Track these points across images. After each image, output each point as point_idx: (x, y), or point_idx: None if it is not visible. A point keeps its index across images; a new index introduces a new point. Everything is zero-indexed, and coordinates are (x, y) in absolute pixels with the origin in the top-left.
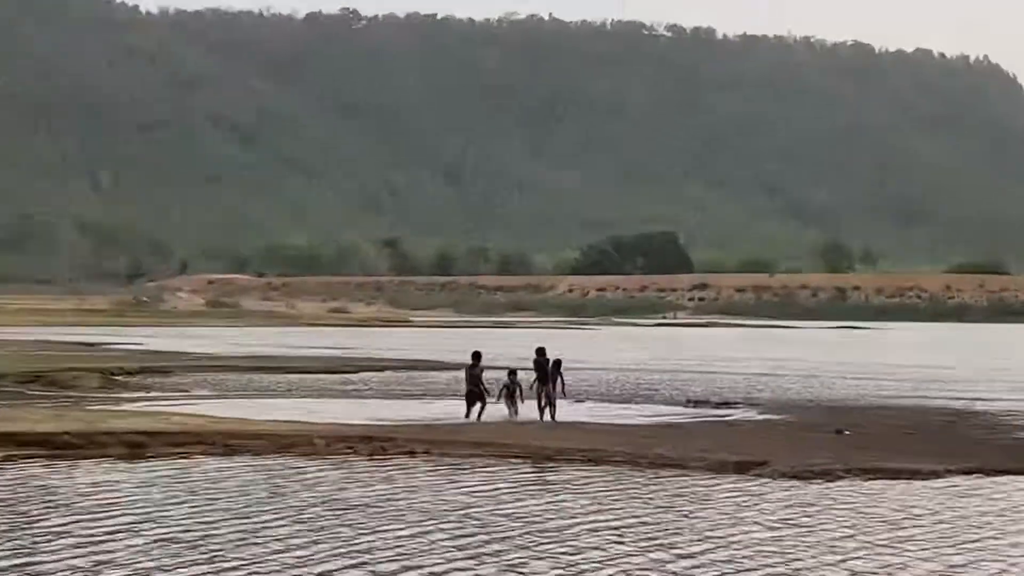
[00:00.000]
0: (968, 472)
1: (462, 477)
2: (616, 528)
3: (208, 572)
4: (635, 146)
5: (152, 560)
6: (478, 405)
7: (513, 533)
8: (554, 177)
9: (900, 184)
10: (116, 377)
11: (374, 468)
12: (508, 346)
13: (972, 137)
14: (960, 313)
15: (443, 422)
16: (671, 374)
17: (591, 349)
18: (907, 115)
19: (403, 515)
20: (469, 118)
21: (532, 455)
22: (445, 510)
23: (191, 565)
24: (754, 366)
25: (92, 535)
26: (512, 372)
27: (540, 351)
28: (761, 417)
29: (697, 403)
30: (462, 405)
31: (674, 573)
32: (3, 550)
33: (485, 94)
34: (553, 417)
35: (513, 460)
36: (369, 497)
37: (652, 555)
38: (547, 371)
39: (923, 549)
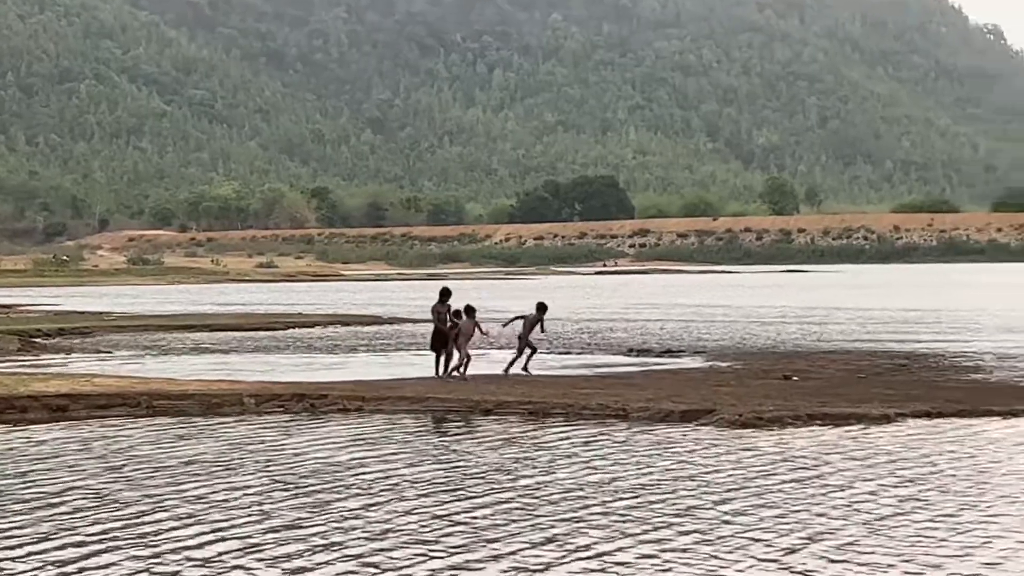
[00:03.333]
0: (920, 416)
1: (325, 431)
2: (418, 480)
3: None
4: (570, 89)
5: None
6: (448, 356)
7: (312, 486)
8: (486, 122)
9: (844, 122)
10: (35, 339)
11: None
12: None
13: (918, 72)
14: (908, 253)
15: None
16: (612, 323)
17: (529, 300)
18: (851, 51)
19: (209, 473)
20: (396, 63)
21: (469, 409)
22: (261, 465)
23: None
24: (698, 313)
25: None
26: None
27: (444, 292)
28: (707, 364)
29: (640, 352)
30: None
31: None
32: None
33: (412, 38)
34: (446, 372)
35: (443, 414)
36: (193, 456)
37: (409, 503)
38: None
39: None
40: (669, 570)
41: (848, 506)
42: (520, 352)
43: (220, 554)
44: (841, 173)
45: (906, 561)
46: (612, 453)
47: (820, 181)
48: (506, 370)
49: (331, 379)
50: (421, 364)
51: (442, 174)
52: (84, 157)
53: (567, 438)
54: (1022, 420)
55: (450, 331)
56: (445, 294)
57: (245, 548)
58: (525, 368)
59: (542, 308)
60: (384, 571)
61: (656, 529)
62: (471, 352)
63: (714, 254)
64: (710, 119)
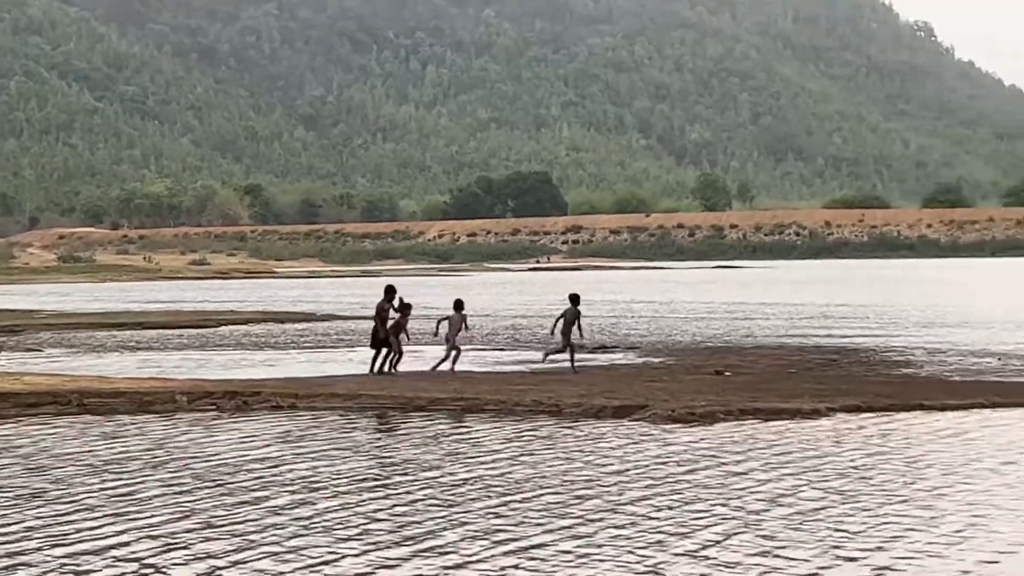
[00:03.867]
0: (850, 410)
1: (253, 428)
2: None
3: None
4: (503, 85)
5: None
6: (384, 352)
7: (207, 484)
8: (419, 119)
9: (776, 118)
10: None
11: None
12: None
13: (849, 69)
14: (840, 249)
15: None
16: (545, 319)
17: (463, 296)
18: (782, 47)
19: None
20: (328, 60)
21: (402, 406)
22: (178, 463)
23: None
24: (631, 309)
25: None
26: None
27: (389, 289)
28: (640, 360)
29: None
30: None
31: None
32: None
33: (345, 35)
34: (380, 370)
35: (374, 411)
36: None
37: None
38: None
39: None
40: (536, 570)
41: (726, 503)
42: (572, 350)
43: (75, 554)
44: (773, 169)
45: (762, 555)
46: (501, 449)
47: (752, 177)
48: (573, 369)
49: (264, 376)
50: (355, 361)
51: (375, 171)
52: (14, 154)
53: (488, 435)
54: (951, 414)
55: (391, 329)
56: (390, 291)
57: (108, 547)
58: (572, 367)
59: (576, 300)
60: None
61: (535, 525)
62: (459, 347)
63: (647, 250)
64: (643, 115)
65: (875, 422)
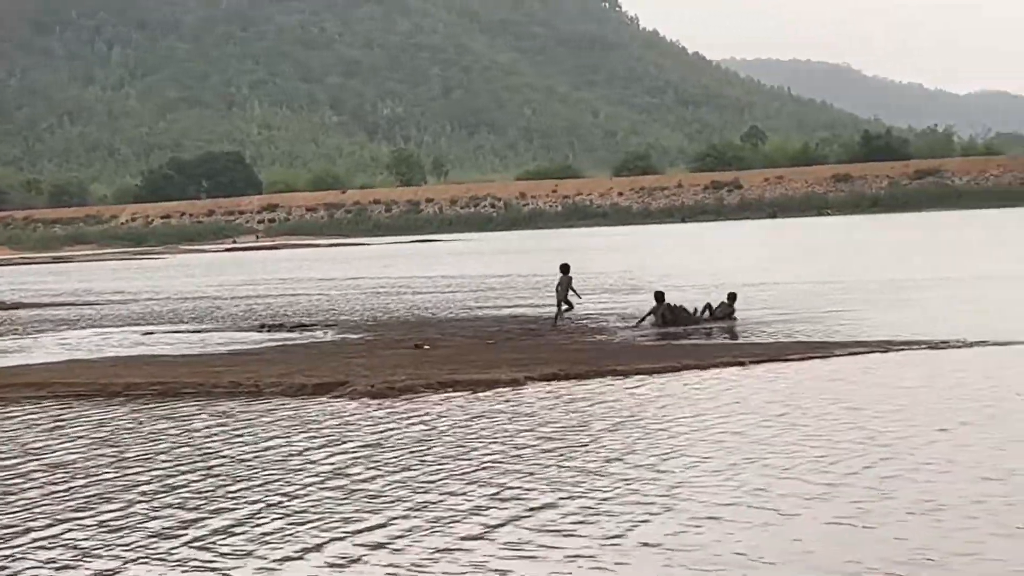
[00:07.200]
0: (547, 379)
1: None
2: None
3: None
4: (192, 64)
5: None
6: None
7: None
8: (107, 101)
9: (467, 92)
10: None
11: None
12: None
13: (537, 41)
14: (535, 219)
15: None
16: (243, 299)
17: (157, 278)
18: (470, 22)
19: None
20: (8, 42)
21: (97, 392)
22: None
23: None
24: (329, 286)
25: None
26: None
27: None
28: (339, 337)
29: (271, 327)
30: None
31: None
32: None
33: (25, 16)
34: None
35: (61, 400)
36: None
37: None
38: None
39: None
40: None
41: (278, 480)
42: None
43: None
44: (466, 142)
45: (274, 534)
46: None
47: (446, 151)
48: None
49: None
50: (49, 348)
51: (63, 155)
52: None
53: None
54: (636, 378)
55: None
56: (566, 268)
57: None
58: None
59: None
60: None
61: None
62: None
63: (344, 227)
64: (334, 92)
65: (534, 391)
